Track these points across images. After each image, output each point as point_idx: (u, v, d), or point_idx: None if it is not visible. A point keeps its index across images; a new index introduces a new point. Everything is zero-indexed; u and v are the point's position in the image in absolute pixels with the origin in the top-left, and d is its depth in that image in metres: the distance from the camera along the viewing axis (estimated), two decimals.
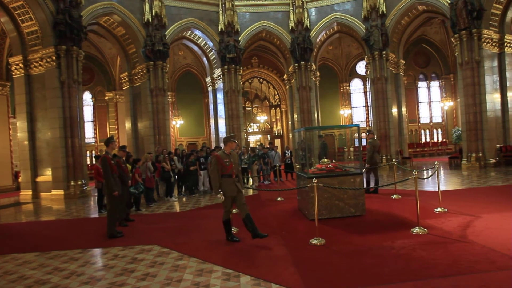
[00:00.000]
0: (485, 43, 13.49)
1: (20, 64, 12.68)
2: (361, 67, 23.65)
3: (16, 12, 12.30)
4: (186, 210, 8.71)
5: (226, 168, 5.43)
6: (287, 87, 19.84)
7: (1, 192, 15.08)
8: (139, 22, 14.95)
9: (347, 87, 24.37)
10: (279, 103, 24.61)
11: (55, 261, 5.04)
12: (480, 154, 13.52)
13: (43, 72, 12.34)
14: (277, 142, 24.09)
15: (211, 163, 5.56)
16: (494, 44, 13.88)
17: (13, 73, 12.96)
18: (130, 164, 9.20)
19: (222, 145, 16.72)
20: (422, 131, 24.02)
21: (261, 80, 24.42)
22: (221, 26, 16.71)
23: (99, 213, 8.81)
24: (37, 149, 12.73)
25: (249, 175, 13.20)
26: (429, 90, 24.39)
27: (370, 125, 20.66)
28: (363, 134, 23.32)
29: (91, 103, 21.72)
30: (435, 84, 24.29)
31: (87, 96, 21.29)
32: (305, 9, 17.26)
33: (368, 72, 17.02)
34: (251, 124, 25.21)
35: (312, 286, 3.68)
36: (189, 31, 17.06)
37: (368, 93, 19.68)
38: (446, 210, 6.59)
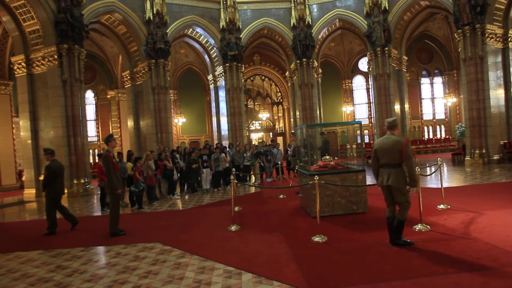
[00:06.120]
0: (488, 38, 13.36)
1: (22, 63, 12.73)
2: (363, 64, 23.55)
3: (17, 11, 12.32)
4: (188, 208, 8.73)
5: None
6: (289, 84, 19.79)
7: (5, 191, 15.18)
8: (140, 20, 14.95)
9: (349, 84, 24.27)
10: (281, 100, 24.56)
11: (58, 259, 5.07)
12: (484, 151, 13.43)
13: (45, 71, 12.39)
14: (279, 139, 24.07)
15: (406, 150, 4.55)
16: (498, 39, 13.76)
17: (16, 72, 13.00)
18: (132, 162, 9.24)
19: (224, 142, 16.83)
20: (425, 128, 23.91)
21: (263, 77, 24.36)
22: (222, 23, 16.68)
23: (102, 211, 8.86)
24: (40, 148, 12.76)
25: (251, 173, 13.20)
26: (432, 86, 24.25)
27: (372, 121, 20.55)
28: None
29: (93, 102, 21.79)
30: (438, 80, 24.14)
31: (89, 95, 21.35)
32: (307, 5, 17.19)
33: (370, 69, 16.94)
34: (253, 122, 25.19)
35: (314, 283, 3.67)
36: (191, 29, 17.03)
37: (370, 89, 19.60)
38: (449, 207, 6.56)
